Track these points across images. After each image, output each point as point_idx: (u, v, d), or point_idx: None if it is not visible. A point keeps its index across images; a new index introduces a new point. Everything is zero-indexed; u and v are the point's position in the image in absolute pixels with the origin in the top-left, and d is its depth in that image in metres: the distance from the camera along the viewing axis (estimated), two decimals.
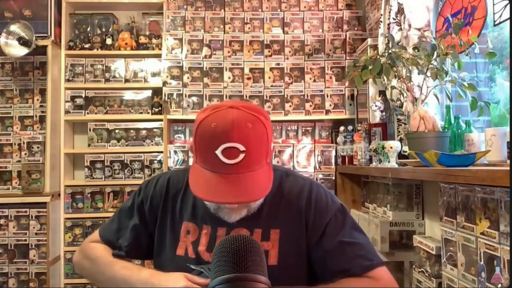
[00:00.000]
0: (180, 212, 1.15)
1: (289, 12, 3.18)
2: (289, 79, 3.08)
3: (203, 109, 1.05)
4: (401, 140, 2.09)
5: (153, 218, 1.18)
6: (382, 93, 2.31)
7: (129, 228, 1.19)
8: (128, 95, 3.15)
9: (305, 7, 3.20)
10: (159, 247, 1.17)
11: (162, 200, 1.17)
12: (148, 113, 3.12)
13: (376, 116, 2.29)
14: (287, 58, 3.09)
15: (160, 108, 3.09)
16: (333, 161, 3.02)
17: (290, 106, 3.06)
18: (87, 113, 3.11)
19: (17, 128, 3.07)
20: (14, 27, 2.90)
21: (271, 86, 3.06)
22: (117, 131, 3.10)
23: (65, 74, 3.11)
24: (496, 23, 1.63)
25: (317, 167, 3.02)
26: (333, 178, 2.99)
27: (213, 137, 0.96)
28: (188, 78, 3.07)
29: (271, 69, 3.08)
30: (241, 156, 0.94)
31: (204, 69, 3.07)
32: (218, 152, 0.94)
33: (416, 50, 1.74)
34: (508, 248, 1.12)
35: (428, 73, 1.70)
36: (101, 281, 1.16)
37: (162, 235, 1.16)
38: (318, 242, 1.09)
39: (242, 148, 0.94)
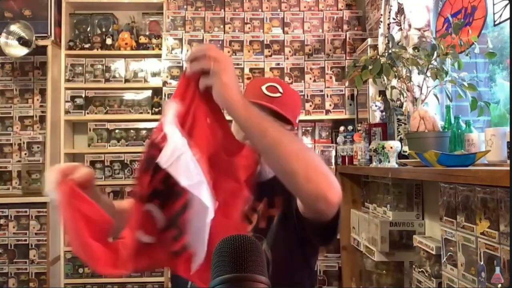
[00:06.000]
0: None
1: (289, 12, 3.18)
2: (289, 79, 3.07)
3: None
4: (401, 140, 2.09)
5: None
6: (382, 93, 2.31)
7: None
8: (128, 95, 3.15)
9: (305, 7, 3.20)
10: None
11: None
12: (148, 113, 3.12)
13: (376, 116, 2.29)
14: (287, 58, 3.09)
15: (160, 108, 3.09)
16: (333, 161, 3.01)
17: None
18: (87, 113, 3.11)
19: (17, 128, 3.07)
20: (14, 27, 2.90)
21: None
22: (117, 131, 3.10)
23: (65, 74, 3.11)
24: (496, 23, 1.63)
25: None
26: None
27: (260, 81, 1.29)
28: None
29: (271, 69, 3.08)
30: (279, 94, 1.21)
31: None
32: (264, 87, 1.23)
33: (416, 50, 1.74)
34: (508, 248, 1.12)
35: (428, 73, 1.70)
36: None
37: None
38: None
39: (280, 89, 1.22)
